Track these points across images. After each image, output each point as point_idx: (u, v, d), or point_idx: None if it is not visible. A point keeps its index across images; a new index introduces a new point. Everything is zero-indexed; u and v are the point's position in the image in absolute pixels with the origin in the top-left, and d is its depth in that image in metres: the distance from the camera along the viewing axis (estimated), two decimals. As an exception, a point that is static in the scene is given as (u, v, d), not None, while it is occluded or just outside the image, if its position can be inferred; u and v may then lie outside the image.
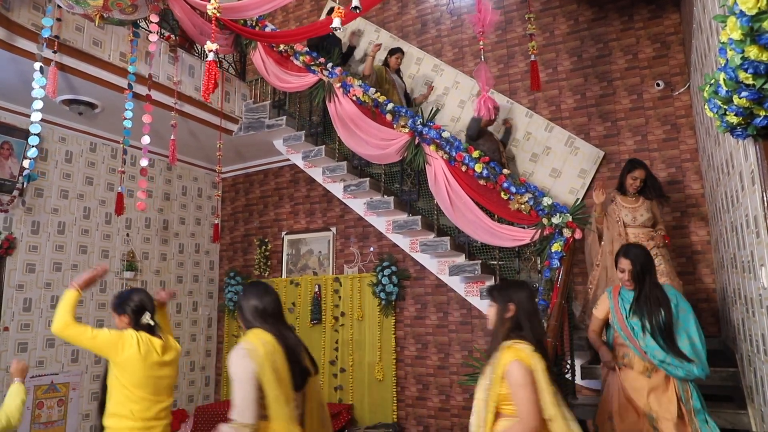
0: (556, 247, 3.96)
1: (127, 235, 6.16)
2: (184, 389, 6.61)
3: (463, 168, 4.55)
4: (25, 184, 3.52)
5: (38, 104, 3.54)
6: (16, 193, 5.15)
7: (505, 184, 4.33)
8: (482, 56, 3.67)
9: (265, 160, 6.99)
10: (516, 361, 2.17)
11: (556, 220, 4.09)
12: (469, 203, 4.50)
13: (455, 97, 5.86)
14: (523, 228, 4.30)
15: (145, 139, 3.70)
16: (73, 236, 5.64)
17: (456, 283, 4.86)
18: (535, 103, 5.48)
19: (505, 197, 4.34)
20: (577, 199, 4.46)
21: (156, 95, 5.20)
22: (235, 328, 6.84)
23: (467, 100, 5.75)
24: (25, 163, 3.44)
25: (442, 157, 4.67)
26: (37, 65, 3.69)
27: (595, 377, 3.97)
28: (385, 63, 5.77)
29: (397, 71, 5.83)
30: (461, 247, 4.86)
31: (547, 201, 4.16)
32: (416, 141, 4.81)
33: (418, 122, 4.79)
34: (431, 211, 5.04)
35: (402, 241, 5.20)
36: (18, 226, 5.21)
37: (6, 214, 5.10)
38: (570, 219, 4.06)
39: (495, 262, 4.66)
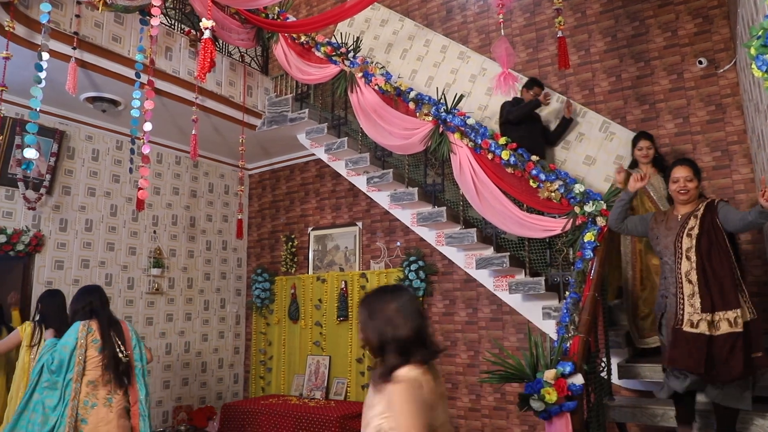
0: (589, 236, 3.71)
1: (154, 232, 6.16)
2: (213, 386, 6.58)
3: (490, 156, 4.34)
4: (28, 171, 3.47)
5: (38, 92, 3.50)
6: (43, 190, 5.19)
7: (534, 172, 4.09)
8: (501, 30, 3.44)
9: (290, 156, 6.91)
10: None
11: (588, 208, 3.84)
12: (496, 192, 4.28)
13: (482, 85, 5.62)
14: (554, 217, 4.06)
15: (147, 126, 3.63)
16: (100, 233, 5.66)
17: (484, 277, 4.64)
18: (567, 88, 5.20)
19: (534, 185, 4.11)
20: (612, 184, 4.18)
21: (177, 90, 5.18)
22: (263, 325, 6.78)
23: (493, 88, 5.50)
24: (26, 152, 3.39)
25: (467, 145, 4.46)
26: (45, 55, 3.64)
27: (634, 376, 3.70)
28: (633, 164, 4.35)
29: (658, 161, 4.20)
30: (488, 239, 4.64)
31: (579, 188, 3.91)
32: (440, 129, 4.61)
33: (442, 110, 4.60)
34: (457, 202, 4.83)
35: (428, 235, 5.01)
36: (46, 224, 5.25)
37: (34, 212, 5.15)
38: (604, 207, 3.80)
39: (524, 254, 4.42)
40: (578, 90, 5.16)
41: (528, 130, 4.70)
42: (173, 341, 6.21)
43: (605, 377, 3.49)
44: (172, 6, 5.48)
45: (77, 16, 4.43)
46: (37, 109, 3.50)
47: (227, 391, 6.75)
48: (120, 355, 3.50)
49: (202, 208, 6.75)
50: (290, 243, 6.72)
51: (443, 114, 4.57)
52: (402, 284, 1.88)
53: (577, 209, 3.90)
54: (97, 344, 3.47)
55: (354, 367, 5.88)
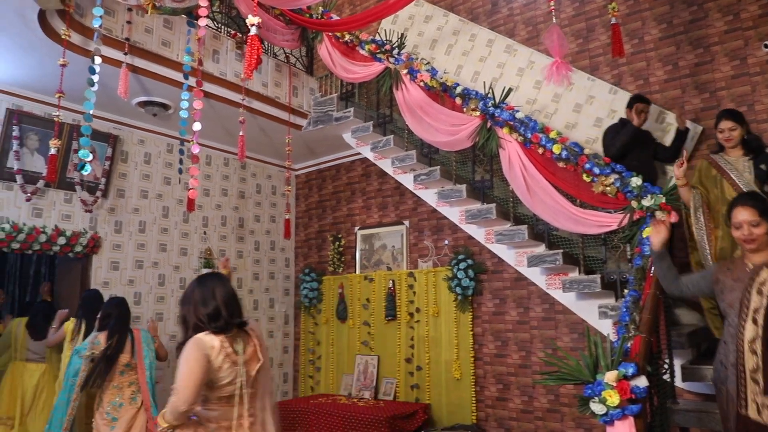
0: (647, 232, 3.54)
1: (204, 233, 6.27)
2: (263, 385, 6.64)
3: (540, 150, 4.20)
4: (83, 172, 3.58)
5: (91, 95, 3.59)
6: (99, 193, 5.36)
7: (588, 165, 3.94)
8: (553, 18, 3.32)
9: (336, 155, 6.92)
10: None
11: (647, 202, 3.67)
12: (548, 188, 4.14)
13: (530, 78, 5.48)
14: (609, 212, 3.90)
15: (196, 126, 3.68)
16: (153, 235, 5.80)
17: (536, 276, 4.51)
18: (619, 78, 5.01)
19: (588, 179, 3.95)
20: (671, 178, 3.98)
21: (224, 92, 5.26)
22: (312, 325, 6.81)
23: (543, 79, 5.34)
24: (81, 153, 3.48)
25: (516, 139, 4.34)
26: (98, 59, 3.73)
27: (699, 379, 3.51)
28: (718, 148, 3.81)
29: (748, 143, 3.67)
30: (540, 236, 4.50)
31: (636, 182, 3.74)
32: (488, 124, 4.50)
33: (490, 104, 4.49)
34: (507, 199, 4.72)
35: (477, 232, 4.92)
36: (102, 226, 5.42)
37: (91, 214, 5.32)
38: (663, 200, 3.62)
39: (578, 251, 4.27)
40: (632, 80, 4.96)
41: (637, 156, 4.22)
42: (224, 340, 6.30)
43: (668, 380, 3.31)
44: (218, 10, 5.57)
45: (128, 22, 4.54)
46: (90, 111, 3.59)
47: (277, 390, 6.81)
48: (127, 360, 4.04)
49: (250, 209, 6.84)
50: (337, 243, 6.73)
51: (491, 108, 4.46)
52: (212, 273, 2.50)
53: (634, 203, 3.73)
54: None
55: (403, 367, 5.83)
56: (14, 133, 4.80)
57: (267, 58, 5.73)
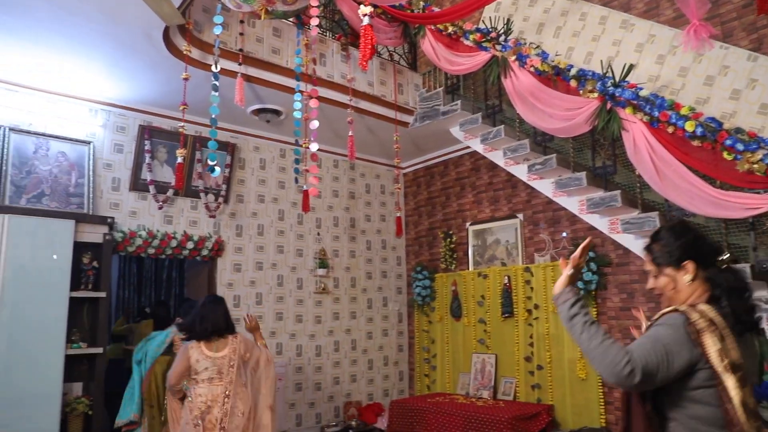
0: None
1: (318, 234, 6.42)
2: (379, 383, 6.70)
3: (670, 129, 3.83)
4: (213, 174, 3.79)
5: (216, 99, 3.80)
6: (221, 199, 5.65)
7: (728, 142, 3.53)
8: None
9: (443, 151, 6.82)
10: None
11: (805, 179, 3.22)
12: (681, 170, 3.76)
13: (651, 53, 5.03)
14: (758, 193, 3.47)
15: (314, 124, 3.75)
16: (270, 237, 6.03)
17: (670, 267, 4.12)
18: (760, 43, 4.46)
19: (730, 157, 3.54)
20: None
21: (331, 94, 5.34)
22: (425, 323, 6.75)
23: (667, 53, 4.90)
24: (210, 157, 3.68)
25: (641, 120, 3.99)
26: (216, 68, 3.92)
27: None
28: None
29: None
30: (674, 224, 4.11)
31: (790, 156, 3.29)
32: (608, 106, 4.19)
33: (609, 84, 4.18)
34: (632, 185, 4.37)
35: (599, 222, 4.60)
36: (225, 230, 5.71)
37: (214, 220, 5.62)
38: (827, 176, 3.15)
39: (722, 239, 3.85)
40: (775, 44, 4.40)
41: None
42: (341, 339, 6.42)
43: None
44: (322, 14, 5.67)
45: (241, 34, 4.75)
46: (215, 115, 3.79)
47: (393, 389, 6.83)
48: None
49: (360, 209, 6.92)
50: (448, 239, 6.62)
51: (610, 88, 4.14)
52: (211, 295, 3.92)
53: (789, 182, 3.29)
54: None
55: (522, 366, 5.60)
56: (146, 147, 5.18)
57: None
